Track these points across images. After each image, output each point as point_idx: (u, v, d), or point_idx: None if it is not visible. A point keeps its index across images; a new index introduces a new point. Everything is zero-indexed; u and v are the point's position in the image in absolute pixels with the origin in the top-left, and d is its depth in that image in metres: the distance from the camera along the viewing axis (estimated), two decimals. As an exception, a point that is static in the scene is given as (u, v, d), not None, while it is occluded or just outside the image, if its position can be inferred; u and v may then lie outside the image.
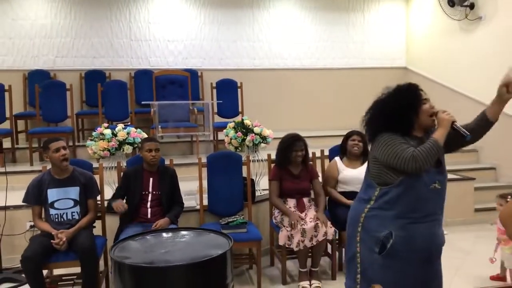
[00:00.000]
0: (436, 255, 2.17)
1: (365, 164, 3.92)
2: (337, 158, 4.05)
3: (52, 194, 3.26)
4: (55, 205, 3.26)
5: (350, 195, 3.89)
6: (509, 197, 3.58)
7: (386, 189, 2.09)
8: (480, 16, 6.06)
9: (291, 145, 3.76)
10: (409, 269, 2.08)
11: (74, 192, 3.30)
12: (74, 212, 3.28)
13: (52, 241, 3.08)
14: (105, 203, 3.65)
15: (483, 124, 2.16)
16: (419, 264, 2.10)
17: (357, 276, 2.17)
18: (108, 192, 3.72)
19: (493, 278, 3.66)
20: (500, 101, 2.13)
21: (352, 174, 3.92)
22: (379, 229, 2.09)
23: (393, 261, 2.07)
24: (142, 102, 5.74)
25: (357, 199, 2.27)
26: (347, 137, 4.04)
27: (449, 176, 5.28)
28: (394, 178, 2.06)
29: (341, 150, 4.09)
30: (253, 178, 4.21)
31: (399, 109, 2.09)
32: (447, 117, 2.07)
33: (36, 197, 3.26)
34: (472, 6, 6.13)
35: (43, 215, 3.33)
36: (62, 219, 3.25)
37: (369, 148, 2.26)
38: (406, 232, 2.05)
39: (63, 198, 3.27)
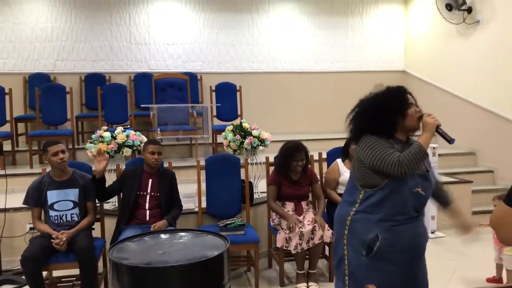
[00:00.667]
0: (421, 253, 2.19)
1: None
2: (338, 160, 4.08)
3: (52, 195, 3.29)
4: (55, 206, 3.29)
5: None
6: (496, 199, 3.60)
7: (371, 191, 2.10)
8: (477, 20, 6.11)
9: (292, 155, 3.74)
10: (396, 270, 2.09)
11: (73, 194, 3.33)
12: (73, 214, 3.32)
13: (52, 240, 3.11)
14: (104, 206, 3.69)
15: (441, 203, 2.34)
16: (406, 264, 2.12)
17: (345, 278, 2.19)
18: (107, 195, 3.74)
19: (489, 280, 3.68)
20: (457, 221, 2.28)
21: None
22: (364, 232, 2.09)
23: (380, 262, 2.08)
24: (142, 105, 5.78)
25: (342, 202, 2.27)
26: (350, 140, 4.07)
27: (447, 178, 5.38)
28: (379, 181, 2.07)
29: (343, 153, 4.11)
30: (251, 180, 4.24)
31: (387, 110, 2.10)
32: (432, 121, 2.07)
33: (35, 199, 3.29)
34: (469, 10, 6.18)
35: (42, 217, 3.36)
36: (61, 221, 3.28)
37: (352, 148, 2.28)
38: (391, 234, 2.07)
39: (62, 200, 3.30)
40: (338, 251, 2.22)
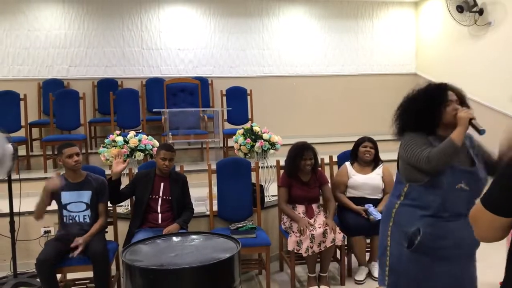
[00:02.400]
0: (467, 255, 2.16)
1: (376, 170, 3.99)
2: (347, 163, 4.08)
3: (65, 196, 3.35)
4: (68, 207, 3.35)
5: (359, 200, 3.92)
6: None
7: (415, 185, 2.13)
8: (489, 21, 6.06)
9: (300, 154, 3.77)
10: (436, 267, 2.09)
11: (86, 196, 3.38)
12: (85, 215, 3.37)
13: (72, 245, 3.16)
14: (117, 209, 3.73)
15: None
16: (448, 263, 2.10)
17: (386, 269, 2.22)
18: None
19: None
20: None
21: (362, 180, 3.95)
22: (407, 225, 2.12)
23: (421, 257, 2.09)
24: (153, 110, 5.83)
25: (390, 195, 2.33)
26: (358, 143, 4.07)
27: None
28: (421, 177, 2.09)
29: (351, 156, 4.12)
30: (262, 184, 4.25)
31: (424, 108, 2.13)
32: (464, 115, 2.08)
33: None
34: (481, 12, 6.14)
35: (57, 220, 3.41)
36: (74, 221, 3.34)
37: (399, 144, 2.26)
38: (433, 230, 2.07)
39: (75, 201, 3.35)
40: (382, 242, 2.26)
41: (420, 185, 2.11)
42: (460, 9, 6.24)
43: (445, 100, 2.14)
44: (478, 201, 1.38)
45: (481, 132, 2.08)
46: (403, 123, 2.21)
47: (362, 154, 3.99)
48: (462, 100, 2.23)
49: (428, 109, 2.13)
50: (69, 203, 3.35)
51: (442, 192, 2.06)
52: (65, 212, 3.34)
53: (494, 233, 1.34)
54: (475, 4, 6.14)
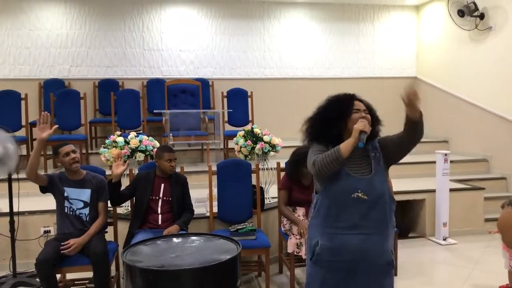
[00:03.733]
0: (369, 271, 2.08)
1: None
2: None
3: (68, 191, 3.35)
4: (70, 200, 3.35)
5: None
6: (506, 206, 3.57)
7: (317, 196, 2.17)
8: (490, 26, 6.08)
9: (302, 161, 3.74)
10: (332, 280, 2.08)
11: (85, 194, 3.38)
12: (82, 213, 3.36)
13: (61, 247, 3.15)
14: (117, 210, 3.73)
15: (408, 127, 2.03)
16: (344, 278, 2.08)
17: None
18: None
19: (502, 288, 3.65)
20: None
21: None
22: (311, 237, 2.18)
23: (320, 269, 2.12)
24: (154, 111, 5.84)
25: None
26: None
27: (456, 185, 5.34)
28: (318, 185, 2.16)
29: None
30: (262, 186, 4.25)
31: (328, 119, 2.16)
32: (357, 126, 2.05)
33: (53, 176, 3.36)
34: (482, 17, 6.16)
35: (56, 219, 3.41)
36: (73, 214, 3.33)
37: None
38: (330, 242, 2.07)
39: (74, 199, 3.35)
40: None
41: (319, 195, 2.14)
42: (461, 13, 6.26)
43: (351, 108, 2.14)
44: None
45: (359, 144, 2.03)
46: (311, 135, 2.23)
47: None
48: (370, 112, 2.19)
49: (331, 120, 2.15)
50: (71, 198, 3.35)
51: (336, 201, 2.07)
52: (66, 203, 3.34)
53: None
54: (476, 9, 6.16)
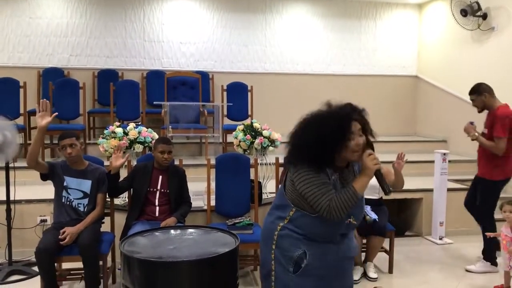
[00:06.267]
0: (348, 267, 2.16)
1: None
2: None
3: (67, 180, 3.34)
4: (69, 190, 3.33)
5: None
6: (506, 205, 3.58)
7: (302, 213, 2.00)
8: (492, 26, 6.07)
9: None
10: (324, 286, 2.05)
11: (86, 185, 3.36)
12: (80, 203, 3.34)
13: (60, 236, 3.13)
14: (114, 201, 3.72)
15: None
16: (333, 279, 2.08)
17: None
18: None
19: (497, 288, 3.66)
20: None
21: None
22: (292, 249, 2.01)
23: (309, 279, 2.02)
24: (154, 103, 5.82)
25: (270, 214, 2.15)
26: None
27: (454, 185, 5.34)
28: (310, 210, 1.97)
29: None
30: (260, 180, 4.25)
31: (327, 140, 1.91)
32: (371, 166, 1.91)
33: (54, 165, 3.35)
34: (484, 17, 6.14)
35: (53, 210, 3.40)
36: (70, 204, 3.32)
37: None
38: (318, 250, 2.01)
39: (74, 188, 3.33)
40: (266, 265, 2.11)
41: (308, 214, 1.98)
42: (464, 13, 6.24)
43: (348, 134, 1.92)
44: None
45: (387, 192, 1.97)
46: (300, 152, 1.97)
47: None
48: (364, 127, 2.00)
49: (330, 143, 1.90)
50: (70, 188, 3.34)
51: (331, 226, 1.98)
52: (64, 193, 3.32)
53: None
54: (479, 9, 6.14)
